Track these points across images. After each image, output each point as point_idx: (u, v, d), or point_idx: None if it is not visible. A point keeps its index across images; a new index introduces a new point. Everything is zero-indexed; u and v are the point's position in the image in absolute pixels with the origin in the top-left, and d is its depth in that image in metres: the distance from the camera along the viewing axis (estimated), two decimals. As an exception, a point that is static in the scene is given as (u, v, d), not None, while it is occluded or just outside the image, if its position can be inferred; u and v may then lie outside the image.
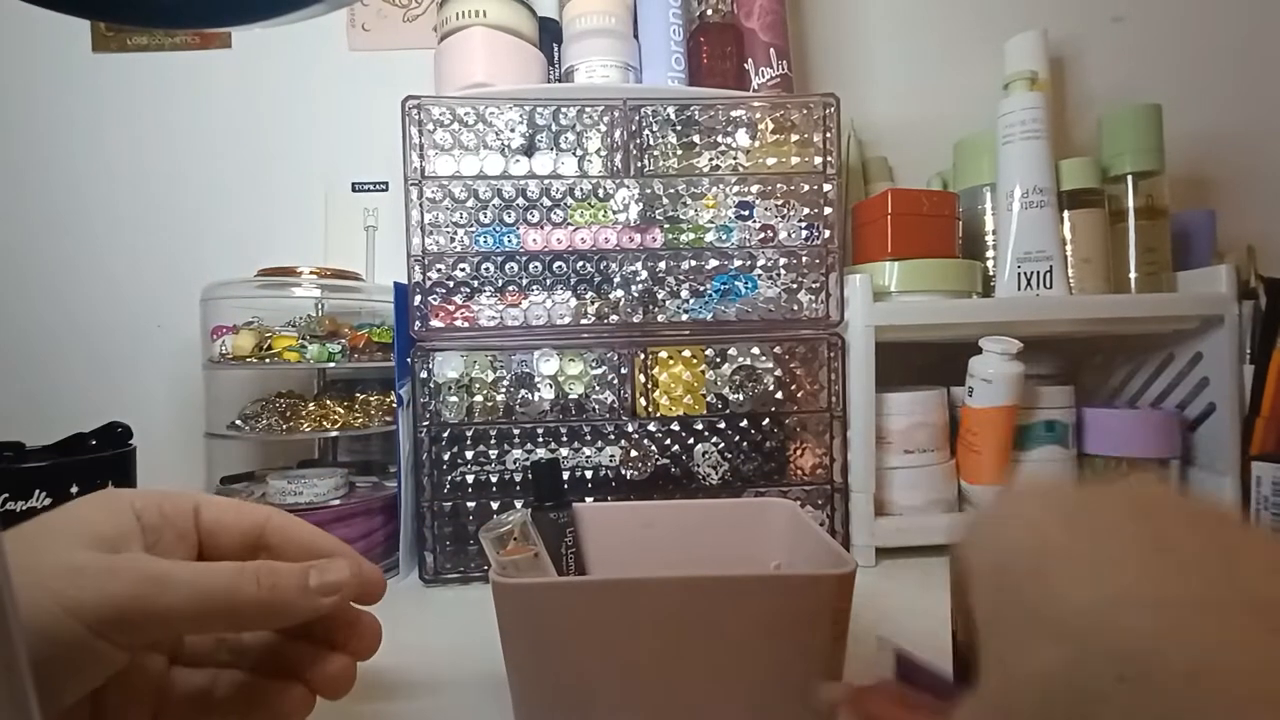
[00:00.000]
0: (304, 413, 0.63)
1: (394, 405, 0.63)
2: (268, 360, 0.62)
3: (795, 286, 0.62)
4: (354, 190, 0.83)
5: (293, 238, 0.83)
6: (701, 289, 0.61)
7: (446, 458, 0.59)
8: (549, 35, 0.70)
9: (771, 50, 0.69)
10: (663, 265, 0.60)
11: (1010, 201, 0.65)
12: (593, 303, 0.60)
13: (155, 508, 0.28)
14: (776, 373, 0.61)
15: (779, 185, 0.62)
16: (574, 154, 0.60)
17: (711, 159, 0.61)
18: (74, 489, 0.52)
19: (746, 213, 0.61)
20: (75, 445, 0.56)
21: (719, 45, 0.68)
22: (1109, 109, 0.69)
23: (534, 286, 0.60)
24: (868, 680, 0.25)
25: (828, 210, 0.62)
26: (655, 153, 0.61)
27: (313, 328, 0.64)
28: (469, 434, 0.59)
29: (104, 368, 0.82)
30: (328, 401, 0.64)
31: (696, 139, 0.61)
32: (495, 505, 0.59)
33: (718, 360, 0.61)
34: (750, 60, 0.69)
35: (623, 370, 0.60)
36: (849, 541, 0.60)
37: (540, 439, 0.59)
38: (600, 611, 0.32)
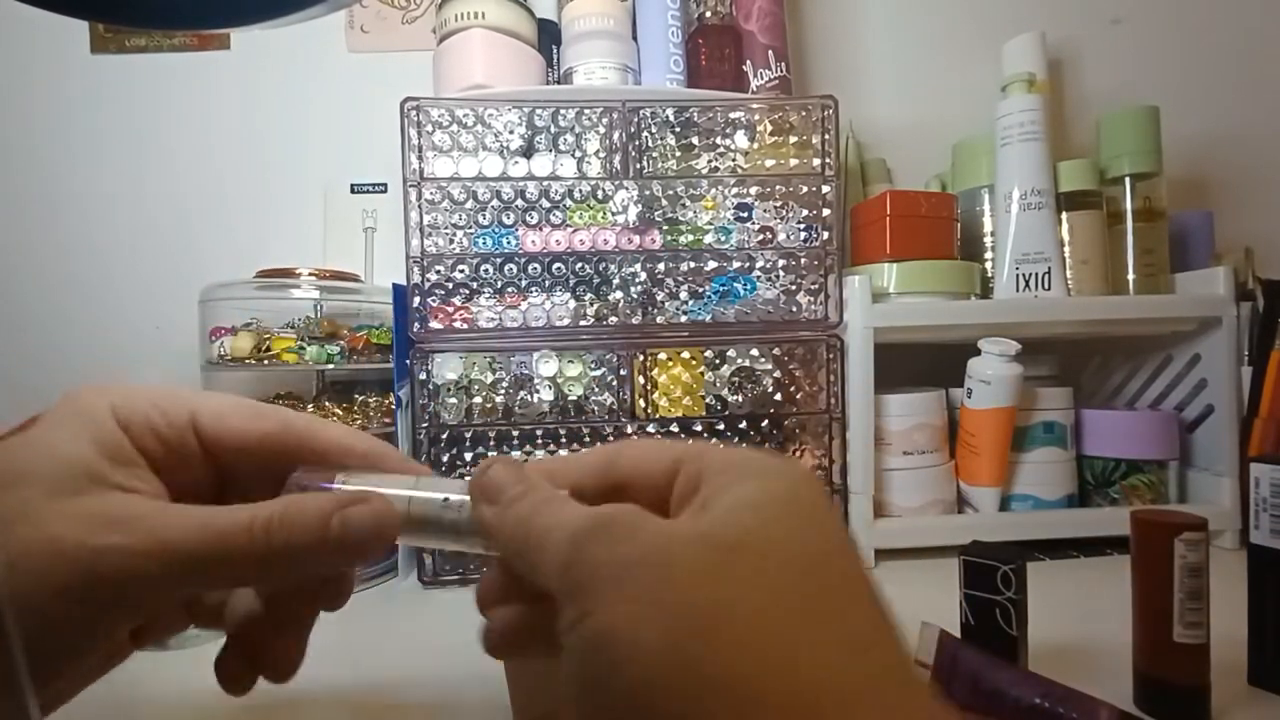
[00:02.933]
0: (303, 414, 0.63)
1: (393, 407, 0.63)
2: (266, 362, 0.62)
3: (794, 288, 0.62)
4: (353, 192, 0.83)
5: (291, 239, 0.83)
6: (700, 290, 0.61)
7: (446, 459, 0.59)
8: (548, 37, 0.70)
9: (770, 52, 0.69)
10: (662, 267, 0.60)
11: (1009, 203, 0.65)
12: (591, 304, 0.60)
13: (144, 423, 0.23)
14: (775, 374, 0.61)
15: (778, 187, 0.62)
16: (573, 155, 0.60)
17: (710, 160, 0.62)
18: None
19: (745, 214, 0.61)
20: (73, 447, 0.56)
21: (717, 47, 0.68)
22: (1107, 111, 0.69)
23: (533, 288, 0.60)
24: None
25: (826, 212, 0.62)
26: (654, 154, 0.61)
27: (311, 329, 0.64)
28: (468, 435, 0.59)
29: (102, 369, 0.82)
30: (326, 403, 0.64)
31: (695, 140, 0.61)
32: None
33: (717, 362, 0.61)
34: (749, 62, 0.69)
35: (622, 372, 0.60)
36: (848, 543, 0.60)
37: (539, 441, 0.59)
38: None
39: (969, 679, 0.33)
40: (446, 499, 0.24)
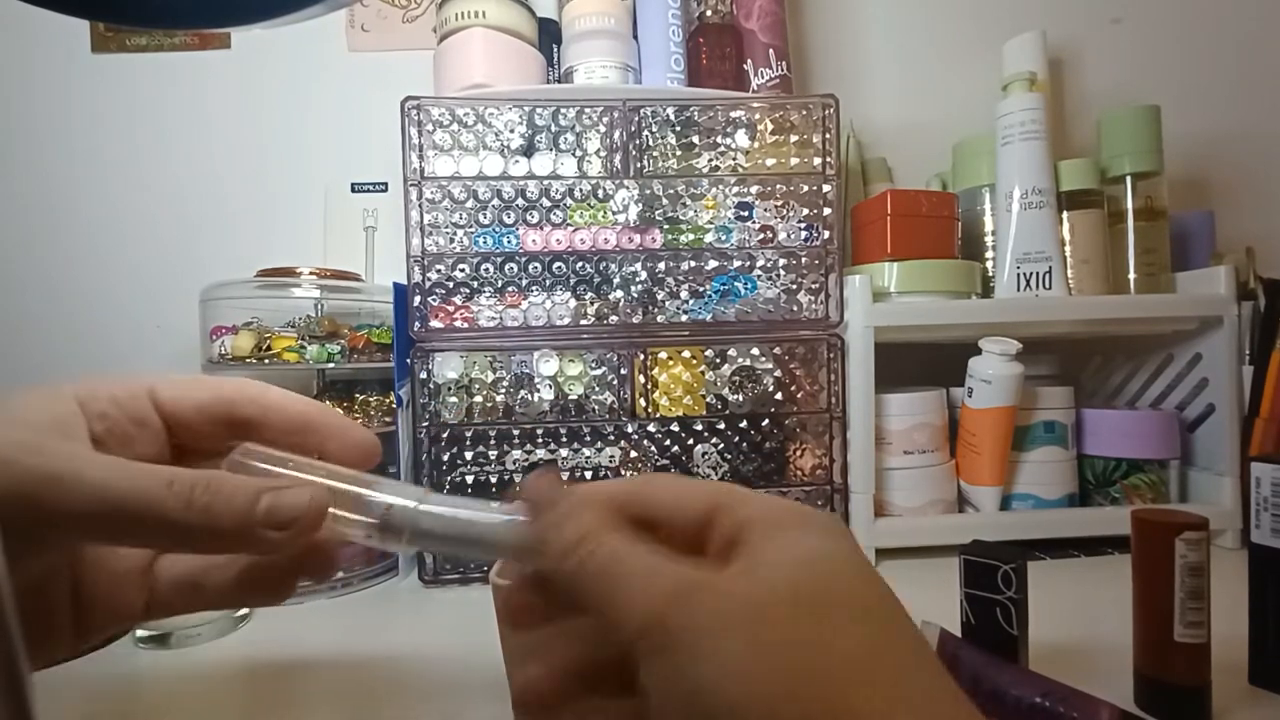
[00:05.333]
0: (303, 413, 0.63)
1: (393, 406, 0.63)
2: (267, 361, 0.62)
3: (795, 287, 0.62)
4: (353, 191, 0.83)
5: (292, 238, 0.83)
6: (701, 290, 0.61)
7: (446, 458, 0.59)
8: (548, 36, 0.70)
9: (771, 51, 0.69)
10: (662, 266, 0.60)
11: (1009, 202, 0.65)
12: (592, 303, 0.60)
13: (104, 394, 0.24)
14: (776, 373, 0.61)
15: (778, 186, 0.62)
16: (573, 155, 0.60)
17: (711, 160, 0.62)
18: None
19: (746, 213, 0.61)
20: (74, 446, 0.56)
21: (718, 46, 0.68)
22: (1108, 110, 0.69)
23: (533, 287, 0.60)
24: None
25: (827, 211, 0.62)
26: (654, 153, 0.61)
27: (312, 328, 0.64)
28: (469, 435, 0.59)
29: (103, 368, 0.82)
30: (327, 402, 0.64)
31: (696, 140, 0.61)
32: (495, 506, 0.59)
33: (717, 361, 0.61)
34: (749, 61, 0.69)
35: (622, 371, 0.60)
36: (848, 542, 0.60)
37: (540, 440, 0.59)
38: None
39: (970, 678, 0.33)
40: (389, 507, 0.23)
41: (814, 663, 0.17)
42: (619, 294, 0.60)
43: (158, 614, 0.27)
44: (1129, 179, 0.67)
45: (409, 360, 0.58)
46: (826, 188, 0.62)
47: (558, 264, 0.60)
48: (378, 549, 0.26)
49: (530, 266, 0.59)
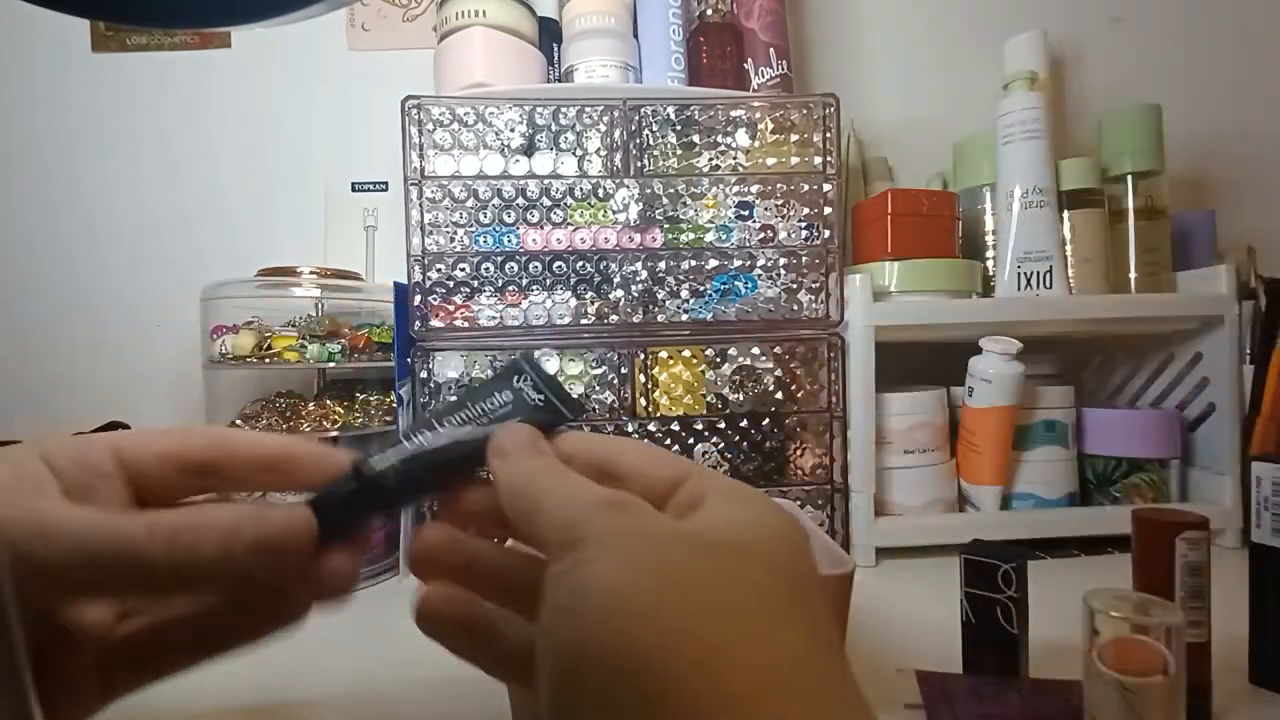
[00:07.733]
0: (304, 413, 0.63)
1: (394, 405, 0.63)
2: (268, 360, 0.62)
3: (795, 286, 0.62)
4: (354, 190, 0.83)
5: (292, 238, 0.83)
6: (701, 289, 0.61)
7: (446, 458, 0.59)
8: (549, 35, 0.70)
9: (771, 50, 0.69)
10: (662, 265, 0.60)
11: (1010, 201, 0.65)
12: (592, 303, 0.60)
13: (67, 452, 0.23)
14: (776, 373, 0.61)
15: (779, 185, 0.62)
16: (574, 154, 0.60)
17: (711, 159, 0.61)
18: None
19: (746, 213, 0.61)
20: (74, 445, 0.56)
21: (719, 45, 0.68)
22: (1109, 109, 0.69)
23: (534, 286, 0.60)
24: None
25: (828, 210, 0.62)
26: (655, 153, 0.61)
27: (313, 328, 0.64)
28: (469, 434, 0.59)
29: (104, 367, 0.82)
30: (328, 401, 0.64)
31: (696, 139, 0.61)
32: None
33: (718, 360, 0.61)
34: (750, 60, 0.69)
35: (623, 370, 0.60)
36: (849, 541, 0.60)
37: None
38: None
39: (968, 698, 0.33)
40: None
41: (697, 595, 0.18)
42: (619, 293, 0.60)
43: (121, 690, 0.26)
44: (1130, 178, 0.67)
45: (409, 359, 0.58)
46: (827, 187, 0.62)
47: (558, 263, 0.59)
48: (373, 520, 0.27)
49: (530, 266, 0.59)
